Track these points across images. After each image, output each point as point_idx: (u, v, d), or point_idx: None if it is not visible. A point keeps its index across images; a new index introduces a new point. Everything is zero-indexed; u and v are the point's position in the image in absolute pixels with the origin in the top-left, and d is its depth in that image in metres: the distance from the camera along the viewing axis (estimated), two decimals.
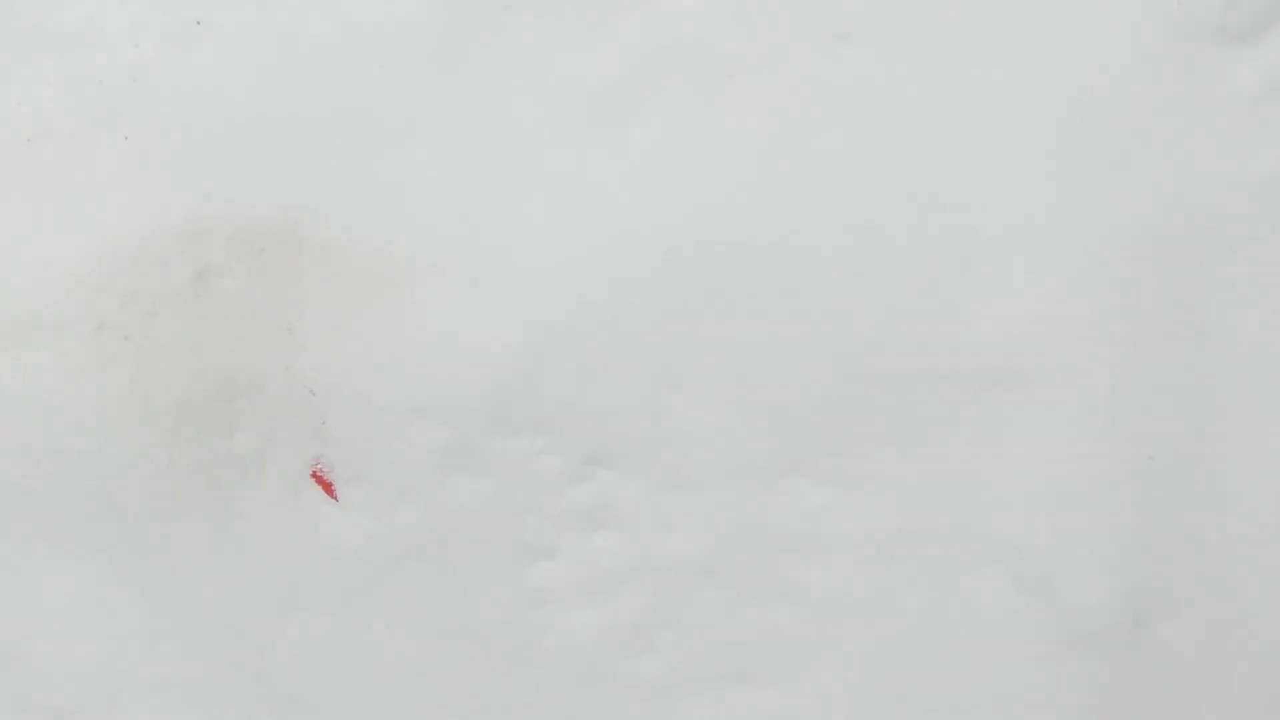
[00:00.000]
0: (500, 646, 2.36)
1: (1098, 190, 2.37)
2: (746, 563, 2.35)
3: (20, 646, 2.36)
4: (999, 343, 2.36)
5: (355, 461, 2.36)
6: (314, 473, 2.36)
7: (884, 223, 2.37)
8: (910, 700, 2.33)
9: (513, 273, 2.37)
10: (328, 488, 2.36)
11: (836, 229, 2.37)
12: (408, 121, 2.40)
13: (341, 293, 2.36)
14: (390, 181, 2.39)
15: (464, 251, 2.37)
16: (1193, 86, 2.38)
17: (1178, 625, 2.32)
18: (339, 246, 2.37)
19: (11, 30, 2.41)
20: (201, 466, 2.34)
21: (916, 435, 2.35)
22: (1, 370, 2.34)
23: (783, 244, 2.37)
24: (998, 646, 2.33)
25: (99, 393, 2.33)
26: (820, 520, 2.35)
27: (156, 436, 2.33)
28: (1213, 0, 2.37)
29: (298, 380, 2.36)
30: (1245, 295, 2.36)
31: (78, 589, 2.35)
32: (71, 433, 2.33)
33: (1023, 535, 2.34)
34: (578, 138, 2.39)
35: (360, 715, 2.35)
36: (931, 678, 2.33)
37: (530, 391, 2.35)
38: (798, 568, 2.35)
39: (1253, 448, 2.35)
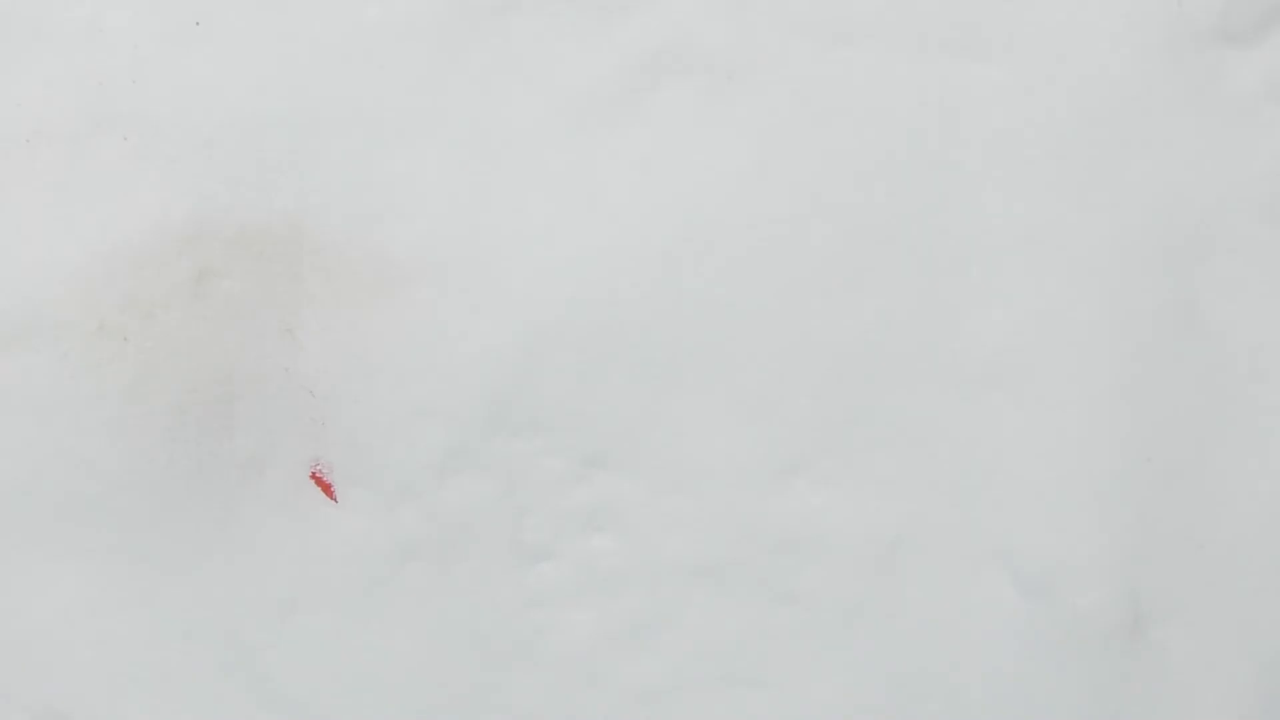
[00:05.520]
0: (500, 646, 2.36)
1: (1097, 190, 2.37)
2: (745, 564, 2.35)
3: (20, 646, 2.36)
4: (999, 343, 2.36)
5: (355, 462, 2.36)
6: (314, 474, 2.36)
7: (883, 223, 2.37)
8: (910, 701, 2.34)
9: (513, 273, 2.37)
10: (328, 489, 2.36)
11: (836, 229, 2.37)
12: (408, 121, 2.40)
13: (341, 294, 2.36)
14: (390, 181, 2.39)
15: (464, 251, 2.38)
16: (1193, 86, 2.38)
17: (1177, 626, 2.32)
18: (339, 247, 2.37)
19: (11, 30, 2.41)
20: (201, 467, 2.35)
21: (916, 436, 2.35)
22: (1, 370, 2.34)
23: (782, 244, 2.37)
24: (998, 647, 2.33)
25: (99, 393, 2.34)
26: (819, 521, 2.35)
27: (156, 437, 2.34)
28: (1212, 0, 2.37)
29: (298, 381, 2.36)
30: (1245, 295, 2.36)
31: (78, 589, 2.35)
32: (71, 433, 2.33)
33: (1023, 535, 2.34)
34: (578, 138, 2.39)
35: (360, 715, 2.36)
36: (931, 678, 2.34)
37: (530, 392, 2.35)
38: (797, 569, 2.35)
39: (1253, 448, 2.35)
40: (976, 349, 2.36)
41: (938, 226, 2.37)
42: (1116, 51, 2.38)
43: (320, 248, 2.37)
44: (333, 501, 2.36)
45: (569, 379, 2.36)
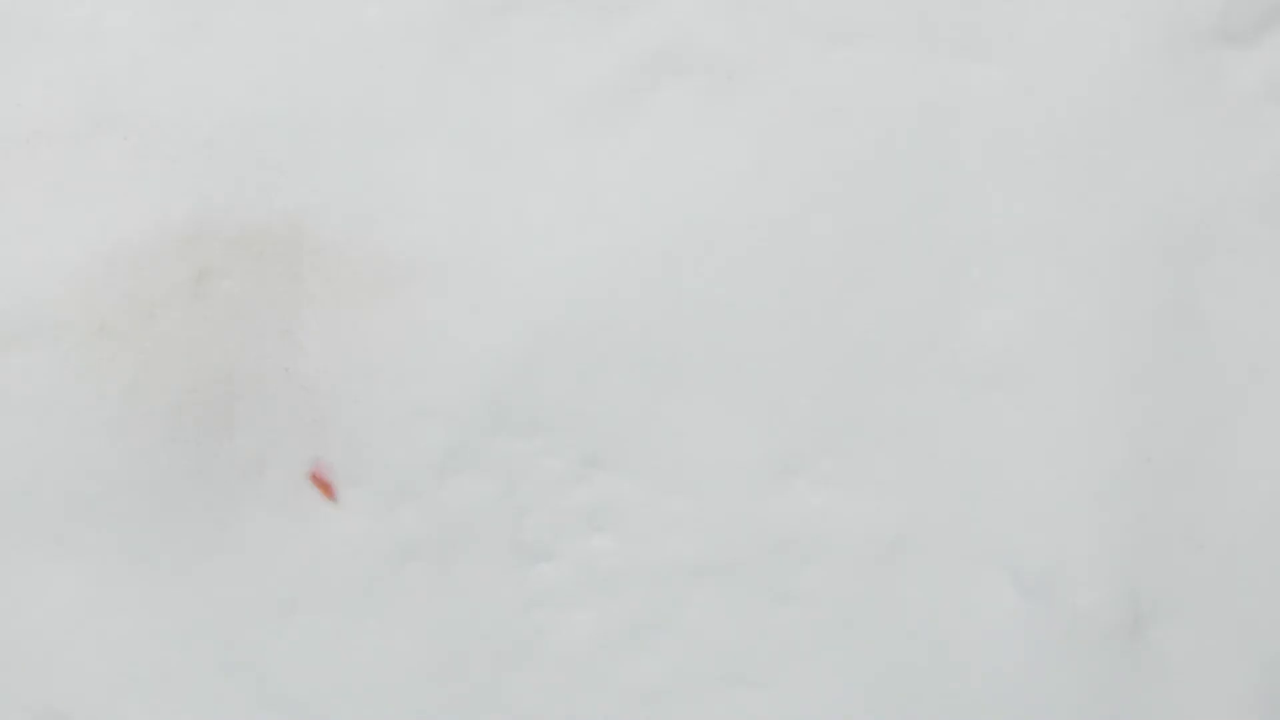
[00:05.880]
0: (500, 647, 2.36)
1: (1097, 190, 2.37)
2: (746, 564, 2.35)
3: (20, 646, 2.36)
4: (999, 343, 2.36)
5: (355, 462, 2.36)
6: (313, 474, 2.36)
7: (883, 223, 2.37)
8: (909, 701, 2.33)
9: (513, 273, 2.37)
10: (327, 489, 2.36)
11: (836, 229, 2.37)
12: (408, 121, 2.39)
13: (341, 294, 2.36)
14: (390, 181, 2.38)
15: (464, 251, 2.37)
16: (1193, 86, 2.38)
17: (1177, 626, 2.32)
18: (339, 247, 2.37)
19: (11, 30, 2.41)
20: (201, 468, 2.34)
21: (916, 436, 2.35)
22: (1, 370, 2.34)
23: (782, 244, 2.37)
24: (997, 647, 2.33)
25: (98, 394, 2.33)
26: (819, 521, 2.35)
27: (156, 438, 2.33)
28: (1212, 0, 2.37)
29: (297, 382, 2.36)
30: (1245, 295, 2.36)
31: (77, 589, 2.34)
32: (71, 434, 2.33)
33: (1023, 535, 2.34)
34: (578, 138, 2.39)
35: (360, 715, 2.35)
36: (931, 679, 2.33)
37: (530, 392, 2.35)
38: (797, 569, 2.35)
39: (1253, 448, 2.35)
40: (976, 349, 2.36)
41: (938, 226, 2.37)
42: (1116, 51, 2.38)
43: (320, 248, 2.37)
44: (333, 501, 2.36)
45: (569, 379, 2.35)
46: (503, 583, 2.36)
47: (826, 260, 2.37)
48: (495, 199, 2.38)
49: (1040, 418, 2.34)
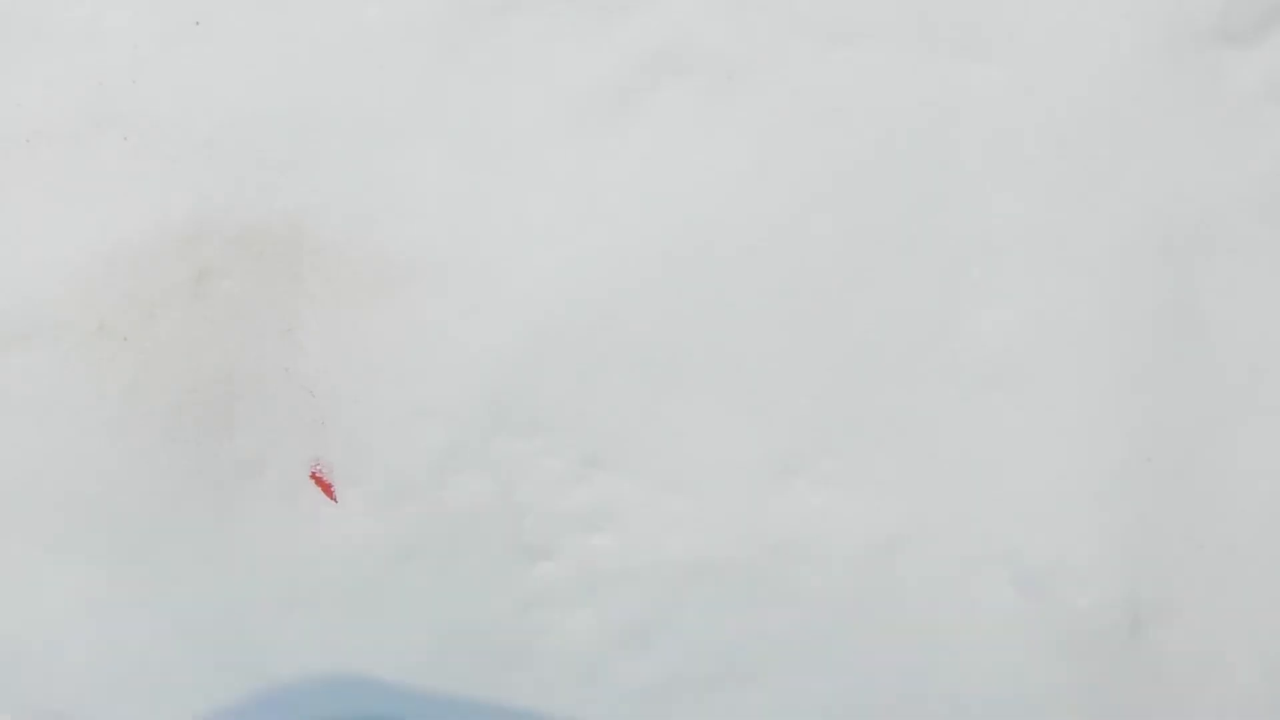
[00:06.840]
0: (500, 646, 2.36)
1: (1097, 190, 2.37)
2: (745, 564, 2.35)
3: (20, 647, 2.36)
4: (999, 343, 2.36)
5: (355, 462, 2.36)
6: (314, 474, 2.36)
7: (883, 223, 2.37)
8: (909, 701, 2.34)
9: (513, 273, 2.37)
10: (327, 489, 2.36)
11: (835, 229, 2.37)
12: (408, 121, 2.40)
13: (341, 294, 2.36)
14: (390, 181, 2.39)
15: (464, 251, 2.37)
16: (1193, 86, 2.38)
17: (1176, 626, 2.32)
18: (339, 247, 2.37)
19: (11, 30, 2.41)
20: (201, 467, 2.34)
21: (916, 436, 2.35)
22: (1, 370, 2.34)
23: (782, 244, 2.37)
24: (997, 647, 2.33)
25: (98, 394, 2.34)
26: (819, 522, 2.35)
27: (156, 437, 2.34)
28: (1212, 0, 2.37)
29: (298, 381, 2.36)
30: (1245, 295, 2.36)
31: (77, 589, 2.35)
32: (71, 433, 2.33)
33: (1023, 535, 2.34)
34: (578, 138, 2.39)
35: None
36: (930, 679, 2.34)
37: (530, 392, 2.35)
38: (796, 569, 2.35)
39: (1253, 448, 2.35)
40: (976, 349, 2.36)
41: (938, 226, 2.37)
42: (1116, 51, 2.38)
43: (320, 248, 2.37)
44: (333, 501, 2.36)
45: (569, 379, 2.36)
46: (503, 582, 2.36)
47: (826, 260, 2.37)
48: (495, 199, 2.38)
49: (1040, 418, 2.34)
